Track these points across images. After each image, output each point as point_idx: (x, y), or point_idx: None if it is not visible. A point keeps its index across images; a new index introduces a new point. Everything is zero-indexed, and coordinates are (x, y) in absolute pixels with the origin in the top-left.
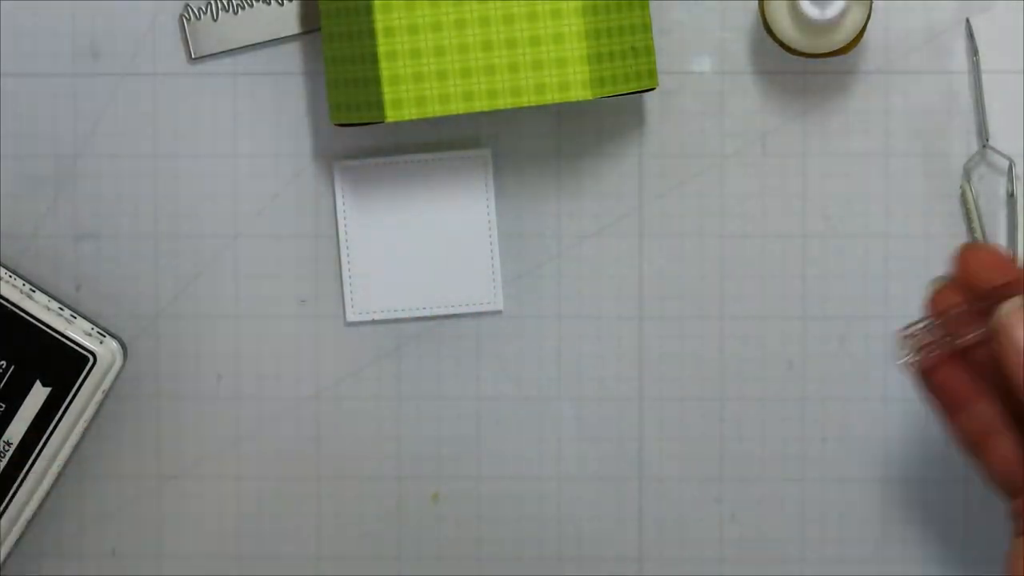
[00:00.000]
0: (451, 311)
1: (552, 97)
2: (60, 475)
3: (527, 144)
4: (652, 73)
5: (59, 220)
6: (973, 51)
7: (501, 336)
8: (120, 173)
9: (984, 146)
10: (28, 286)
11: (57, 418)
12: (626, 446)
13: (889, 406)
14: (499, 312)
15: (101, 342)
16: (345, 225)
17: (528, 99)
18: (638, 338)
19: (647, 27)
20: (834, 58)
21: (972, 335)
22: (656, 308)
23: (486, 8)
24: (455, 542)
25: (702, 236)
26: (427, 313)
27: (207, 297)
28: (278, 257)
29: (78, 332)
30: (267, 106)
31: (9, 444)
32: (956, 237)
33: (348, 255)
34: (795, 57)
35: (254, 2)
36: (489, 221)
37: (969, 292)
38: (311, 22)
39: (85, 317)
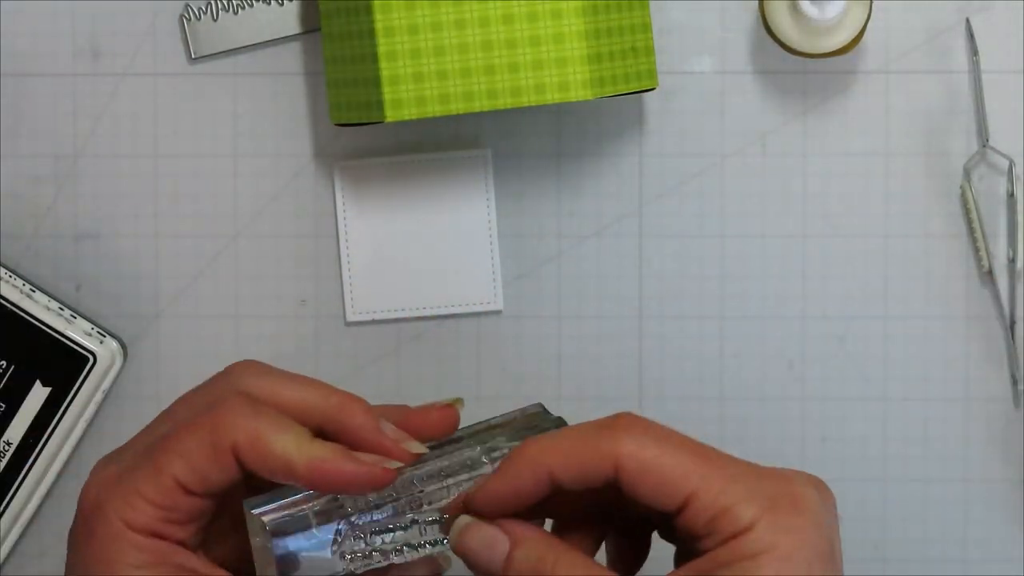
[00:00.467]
0: (451, 311)
1: (552, 97)
2: (60, 475)
3: (527, 144)
4: (652, 73)
5: (59, 220)
6: (973, 51)
7: (501, 336)
8: (120, 173)
9: (984, 146)
10: (28, 286)
11: (57, 418)
12: None
13: (889, 406)
14: (499, 312)
15: (101, 342)
16: (345, 225)
17: (528, 99)
18: (638, 338)
19: (647, 27)
20: (834, 58)
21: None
22: (656, 308)
23: (486, 8)
24: None
25: (702, 236)
26: (427, 313)
27: (207, 297)
28: (278, 257)
29: (78, 332)
30: (267, 106)
31: (9, 444)
32: (956, 237)
33: (348, 255)
34: (795, 57)
35: (254, 2)
36: (489, 221)
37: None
38: (311, 22)
39: (85, 317)
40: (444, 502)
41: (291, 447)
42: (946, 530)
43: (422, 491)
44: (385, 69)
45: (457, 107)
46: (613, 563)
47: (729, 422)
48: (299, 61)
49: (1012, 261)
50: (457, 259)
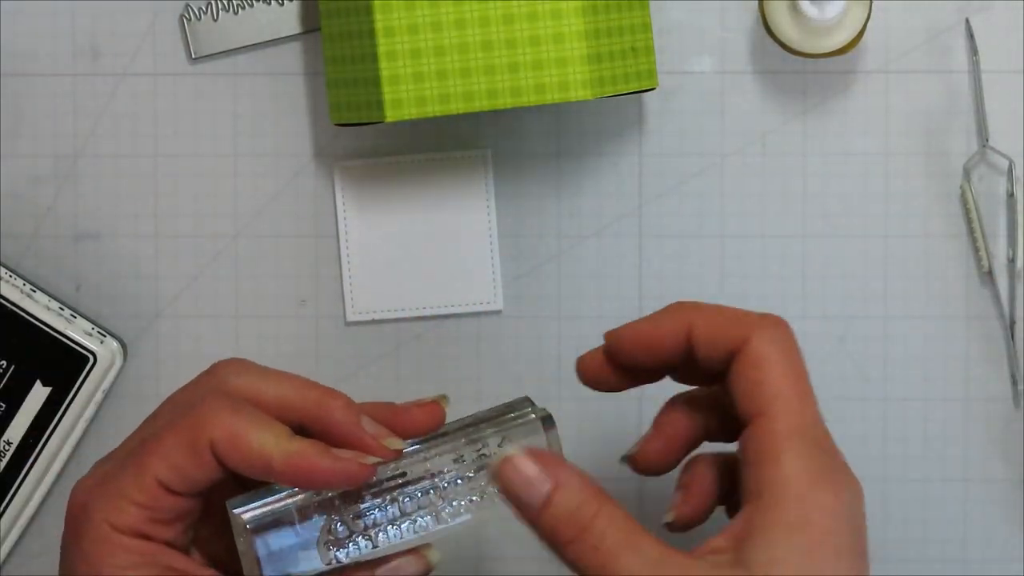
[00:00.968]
0: (451, 311)
1: (552, 97)
2: (60, 475)
3: (527, 144)
4: (652, 73)
5: (59, 220)
6: (973, 51)
7: (501, 336)
8: (120, 173)
9: (984, 146)
10: (28, 286)
11: (57, 418)
12: (627, 446)
13: (889, 406)
14: (499, 312)
15: (101, 342)
16: (345, 225)
17: (528, 99)
18: None
19: (647, 27)
20: (834, 58)
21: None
22: (656, 308)
23: (486, 8)
24: (455, 542)
25: (702, 236)
26: (427, 313)
27: (207, 297)
28: (278, 257)
29: (78, 332)
30: (267, 106)
31: (9, 444)
32: (956, 237)
33: (348, 255)
34: (795, 57)
35: (254, 2)
36: (489, 221)
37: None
38: (311, 22)
39: (85, 317)
40: (427, 495)
41: (269, 443)
42: (946, 530)
43: (407, 480)
44: (385, 69)
45: (457, 107)
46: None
47: None
48: (299, 61)
49: (1012, 261)
50: (457, 259)
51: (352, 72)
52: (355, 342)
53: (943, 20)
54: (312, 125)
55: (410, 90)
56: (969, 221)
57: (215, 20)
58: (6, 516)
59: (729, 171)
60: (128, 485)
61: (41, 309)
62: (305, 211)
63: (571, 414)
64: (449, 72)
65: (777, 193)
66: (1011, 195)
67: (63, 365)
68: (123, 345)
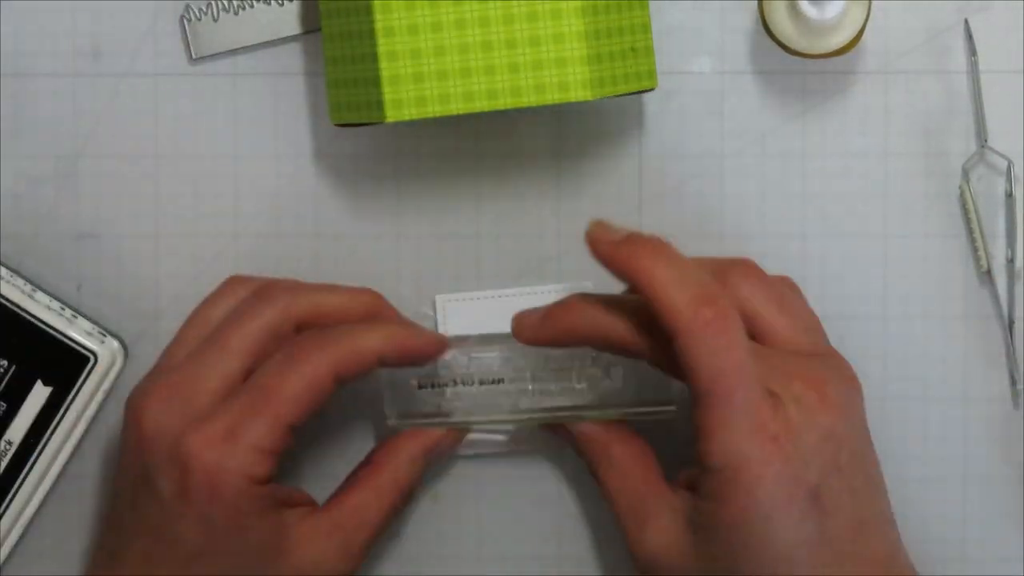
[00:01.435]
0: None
1: (552, 97)
2: (61, 475)
3: (527, 144)
4: (652, 73)
5: (60, 220)
6: (972, 51)
7: None
8: (120, 173)
9: (983, 146)
10: (29, 286)
11: (58, 418)
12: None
13: (888, 406)
14: None
15: (102, 342)
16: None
17: (528, 99)
18: None
19: (647, 27)
20: (834, 58)
21: None
22: None
23: (486, 8)
24: (455, 542)
25: (702, 236)
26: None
27: None
28: (278, 257)
29: (79, 332)
30: (267, 106)
31: (10, 444)
32: (955, 237)
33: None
34: (794, 57)
35: (254, 2)
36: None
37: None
38: (311, 22)
39: (86, 317)
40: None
41: (378, 342)
42: (946, 530)
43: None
44: (385, 69)
45: (457, 107)
46: None
47: None
48: (299, 61)
49: (1011, 261)
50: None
51: (352, 72)
52: None
53: (942, 20)
54: (312, 125)
55: (410, 90)
56: (968, 221)
57: (215, 20)
58: (7, 516)
59: (729, 171)
60: (263, 437)
61: (42, 309)
62: (305, 211)
63: None
64: (449, 72)
65: (777, 193)
66: (1010, 195)
67: (64, 365)
68: (124, 345)
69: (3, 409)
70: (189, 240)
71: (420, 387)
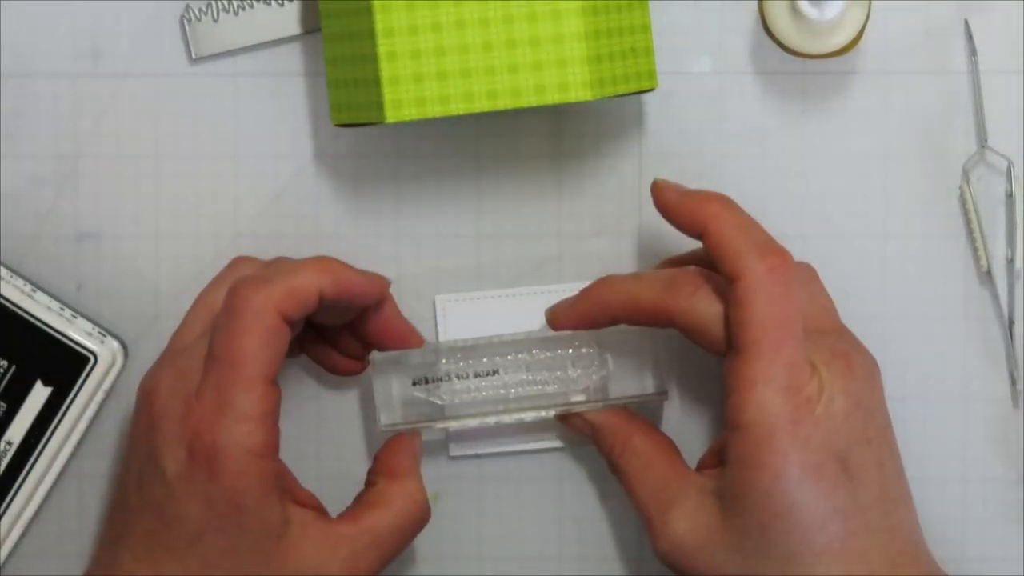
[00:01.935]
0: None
1: (552, 98)
2: (61, 475)
3: (527, 144)
4: (652, 73)
5: (60, 220)
6: (972, 52)
7: None
8: (120, 173)
9: (983, 147)
10: (29, 286)
11: (58, 418)
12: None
13: (888, 406)
14: None
15: (102, 342)
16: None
17: (528, 100)
18: None
19: (647, 27)
20: (833, 59)
21: None
22: None
23: (486, 9)
24: (455, 542)
25: None
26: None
27: None
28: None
29: (79, 332)
30: (267, 106)
31: (10, 444)
32: (955, 237)
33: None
34: (794, 58)
35: (254, 3)
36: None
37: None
38: (311, 23)
39: (86, 317)
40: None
41: (313, 276)
42: (946, 530)
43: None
44: (385, 70)
45: (457, 108)
46: None
47: None
48: (299, 62)
49: (1011, 261)
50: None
51: (352, 73)
52: None
53: (942, 20)
54: (312, 125)
55: (410, 91)
56: (968, 221)
57: (215, 21)
58: (7, 516)
59: (729, 171)
60: (244, 403)
61: (42, 309)
62: (305, 211)
63: None
64: (449, 73)
65: (777, 193)
66: (1010, 195)
67: (64, 365)
68: (124, 345)
69: (3, 409)
70: (189, 240)
71: (414, 384)
